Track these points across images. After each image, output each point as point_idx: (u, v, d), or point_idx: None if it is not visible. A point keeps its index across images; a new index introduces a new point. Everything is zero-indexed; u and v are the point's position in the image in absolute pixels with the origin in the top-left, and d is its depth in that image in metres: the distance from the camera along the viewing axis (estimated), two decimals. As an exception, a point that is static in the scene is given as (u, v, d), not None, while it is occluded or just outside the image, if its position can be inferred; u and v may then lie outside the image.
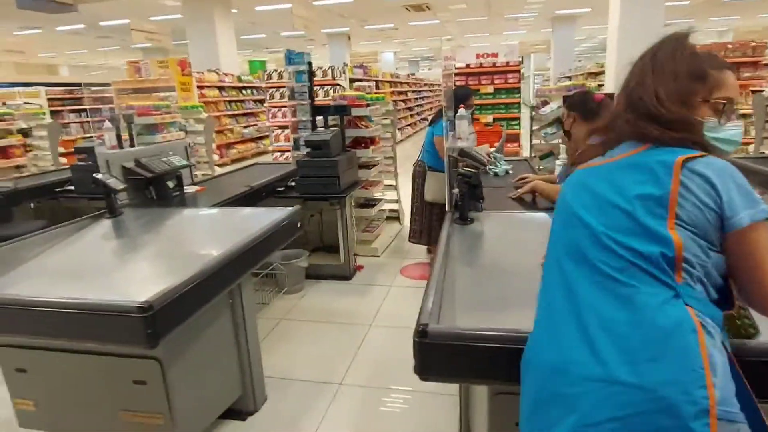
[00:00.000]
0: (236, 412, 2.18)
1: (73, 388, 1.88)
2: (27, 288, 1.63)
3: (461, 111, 2.32)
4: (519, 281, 1.57)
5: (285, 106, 7.75)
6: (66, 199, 3.62)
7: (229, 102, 10.36)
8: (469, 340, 1.14)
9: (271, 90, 8.02)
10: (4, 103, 6.96)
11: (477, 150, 2.57)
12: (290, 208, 2.43)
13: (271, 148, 8.01)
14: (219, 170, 5.57)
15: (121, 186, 2.51)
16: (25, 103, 6.72)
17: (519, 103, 7.20)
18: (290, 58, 3.74)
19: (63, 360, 1.81)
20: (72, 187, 3.60)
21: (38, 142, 5.30)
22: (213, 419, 2.07)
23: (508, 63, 7.09)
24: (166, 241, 2.24)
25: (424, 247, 4.11)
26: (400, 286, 3.61)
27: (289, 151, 7.75)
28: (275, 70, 8.23)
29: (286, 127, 7.78)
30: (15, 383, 1.93)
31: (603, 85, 9.36)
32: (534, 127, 4.06)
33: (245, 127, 10.87)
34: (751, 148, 4.65)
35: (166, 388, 1.76)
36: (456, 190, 2.23)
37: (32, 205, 3.79)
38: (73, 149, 5.08)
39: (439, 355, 1.17)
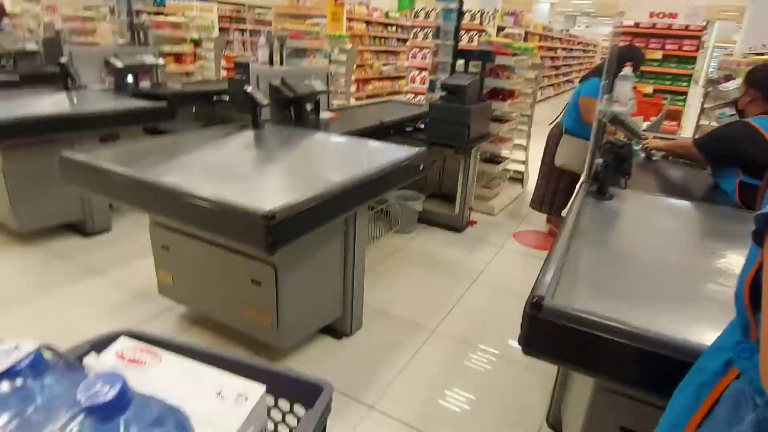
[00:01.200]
0: (332, 331, 2.33)
1: (203, 272, 2.13)
2: (177, 177, 1.82)
3: (626, 70, 2.04)
4: (654, 275, 1.39)
5: (426, 48, 7.58)
6: (221, 108, 3.99)
7: (374, 38, 10.43)
8: (590, 326, 1.03)
9: (415, 29, 7.87)
10: (183, 14, 7.74)
11: (632, 120, 2.27)
12: (416, 149, 2.40)
13: (405, 89, 7.98)
14: (354, 102, 5.71)
15: (265, 101, 2.67)
16: (200, 15, 7.40)
17: (690, 76, 6.22)
18: (443, -6, 3.58)
19: (198, 247, 2.05)
20: (227, 98, 3.94)
21: (206, 53, 5.86)
22: (312, 331, 2.24)
23: (687, 27, 6.07)
24: (297, 159, 2.36)
25: (541, 215, 3.88)
26: (510, 250, 3.47)
27: (422, 94, 7.67)
28: (423, 9, 8.02)
29: (424, 69, 7.65)
30: (159, 257, 2.24)
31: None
32: (707, 105, 3.47)
33: (384, 64, 10.92)
34: None
35: (278, 292, 1.91)
36: (600, 160, 2.00)
37: (194, 108, 4.23)
38: (233, 64, 5.49)
39: (550, 334, 1.08)
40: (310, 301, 2.12)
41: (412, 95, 7.69)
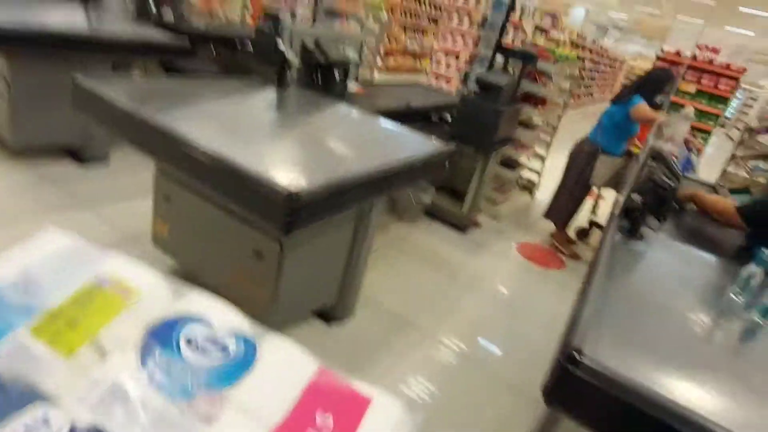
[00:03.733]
0: (322, 314, 2.24)
1: (202, 232, 2.01)
2: (194, 128, 1.67)
3: (688, 110, 1.93)
4: (684, 332, 1.31)
5: (461, 33, 7.33)
6: (243, 56, 3.78)
7: (406, 12, 10.09)
8: (631, 395, 0.95)
9: (452, 11, 7.60)
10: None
11: (676, 161, 2.17)
12: (445, 145, 2.28)
13: (429, 70, 7.76)
14: (376, 75, 5.51)
15: (297, 62, 2.51)
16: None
17: (718, 116, 6.12)
18: (497, -17, 3.39)
19: (202, 205, 1.92)
20: (251, 48, 3.74)
21: (232, -6, 5.55)
22: (307, 315, 2.15)
23: (728, 66, 5.94)
24: (322, 131, 2.22)
25: (545, 229, 3.82)
26: (511, 260, 3.40)
27: (446, 78, 7.46)
28: (464, -9, 7.73)
29: (452, 53, 7.42)
30: (159, 207, 2.11)
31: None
32: (739, 153, 3.39)
33: (410, 39, 10.62)
34: None
35: (280, 269, 1.81)
36: (637, 196, 1.91)
37: (214, 51, 4.02)
38: (263, 13, 5.22)
39: (582, 392, 1.00)
40: (310, 283, 2.02)
41: (435, 78, 7.49)
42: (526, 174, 4.58)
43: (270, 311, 1.88)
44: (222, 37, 3.90)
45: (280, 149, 1.91)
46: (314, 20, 3.55)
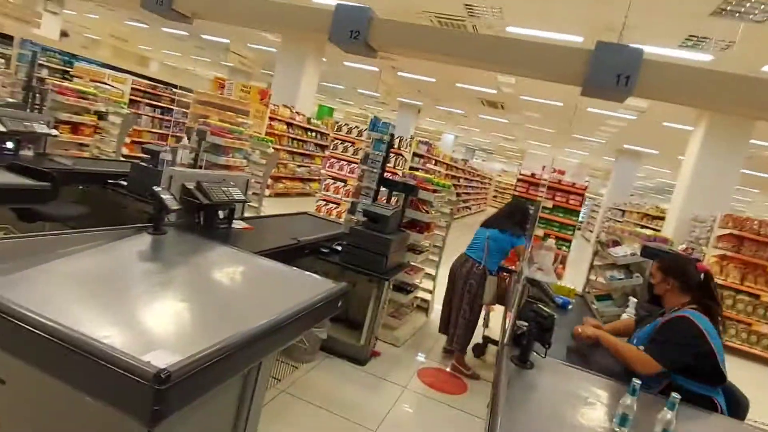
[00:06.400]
0: (207, 500, 1.87)
1: (49, 420, 1.63)
2: (41, 299, 1.43)
3: (549, 241, 2.13)
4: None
5: (346, 160, 7.81)
6: (114, 193, 3.54)
7: (293, 139, 10.60)
8: None
9: (336, 141, 8.14)
10: (90, 80, 7.26)
11: (549, 286, 2.34)
12: (339, 285, 2.22)
13: (318, 195, 8.01)
14: (265, 204, 5.49)
15: (175, 206, 2.38)
16: (111, 86, 6.99)
17: (574, 226, 6.99)
18: (375, 124, 3.69)
19: (47, 386, 1.58)
20: (124, 182, 3.53)
21: (109, 128, 5.38)
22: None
23: (574, 184, 6.97)
24: (203, 281, 2.05)
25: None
26: (415, 391, 3.27)
27: (335, 203, 7.72)
28: (346, 125, 8.40)
29: (340, 179, 7.80)
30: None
31: (659, 230, 9.13)
32: (597, 263, 3.81)
33: (299, 166, 11.04)
34: None
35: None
36: (524, 323, 1.97)
37: (81, 187, 3.72)
38: (139, 141, 5.06)
39: None
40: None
41: (324, 203, 7.72)
42: (420, 294, 4.65)
43: None
44: (91, 175, 3.65)
45: (147, 312, 1.69)
46: (197, 158, 3.51)
